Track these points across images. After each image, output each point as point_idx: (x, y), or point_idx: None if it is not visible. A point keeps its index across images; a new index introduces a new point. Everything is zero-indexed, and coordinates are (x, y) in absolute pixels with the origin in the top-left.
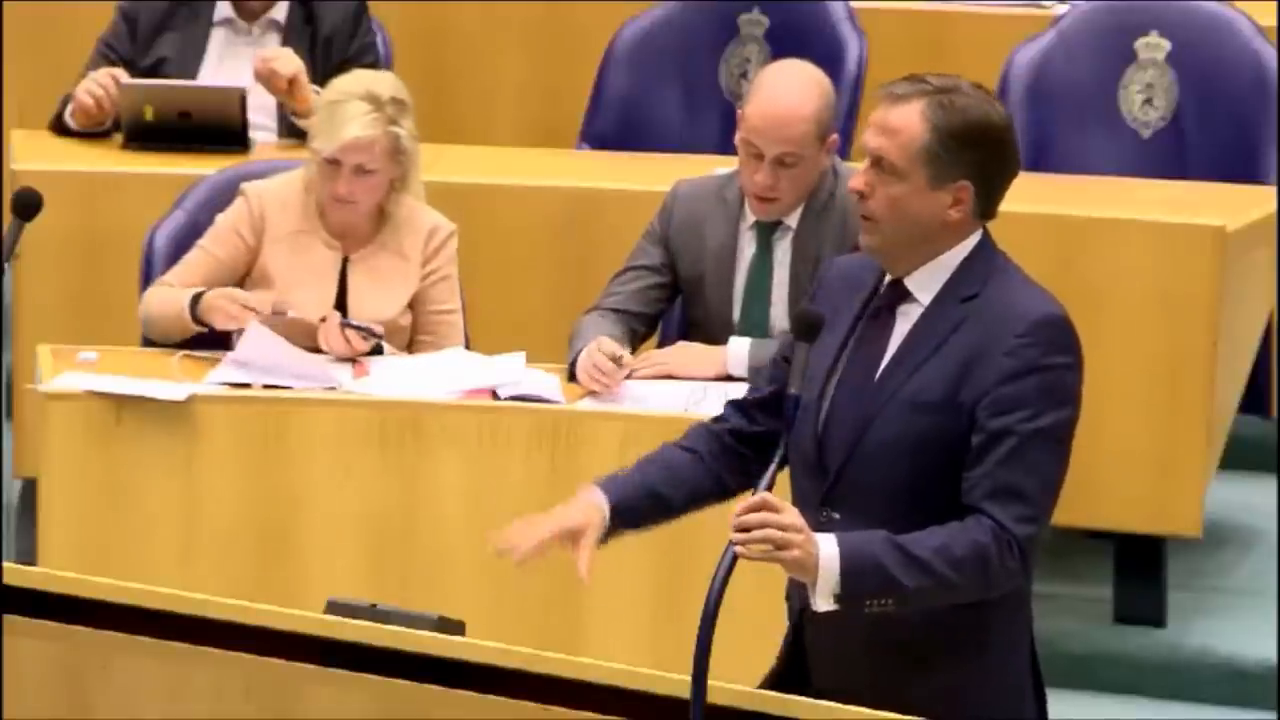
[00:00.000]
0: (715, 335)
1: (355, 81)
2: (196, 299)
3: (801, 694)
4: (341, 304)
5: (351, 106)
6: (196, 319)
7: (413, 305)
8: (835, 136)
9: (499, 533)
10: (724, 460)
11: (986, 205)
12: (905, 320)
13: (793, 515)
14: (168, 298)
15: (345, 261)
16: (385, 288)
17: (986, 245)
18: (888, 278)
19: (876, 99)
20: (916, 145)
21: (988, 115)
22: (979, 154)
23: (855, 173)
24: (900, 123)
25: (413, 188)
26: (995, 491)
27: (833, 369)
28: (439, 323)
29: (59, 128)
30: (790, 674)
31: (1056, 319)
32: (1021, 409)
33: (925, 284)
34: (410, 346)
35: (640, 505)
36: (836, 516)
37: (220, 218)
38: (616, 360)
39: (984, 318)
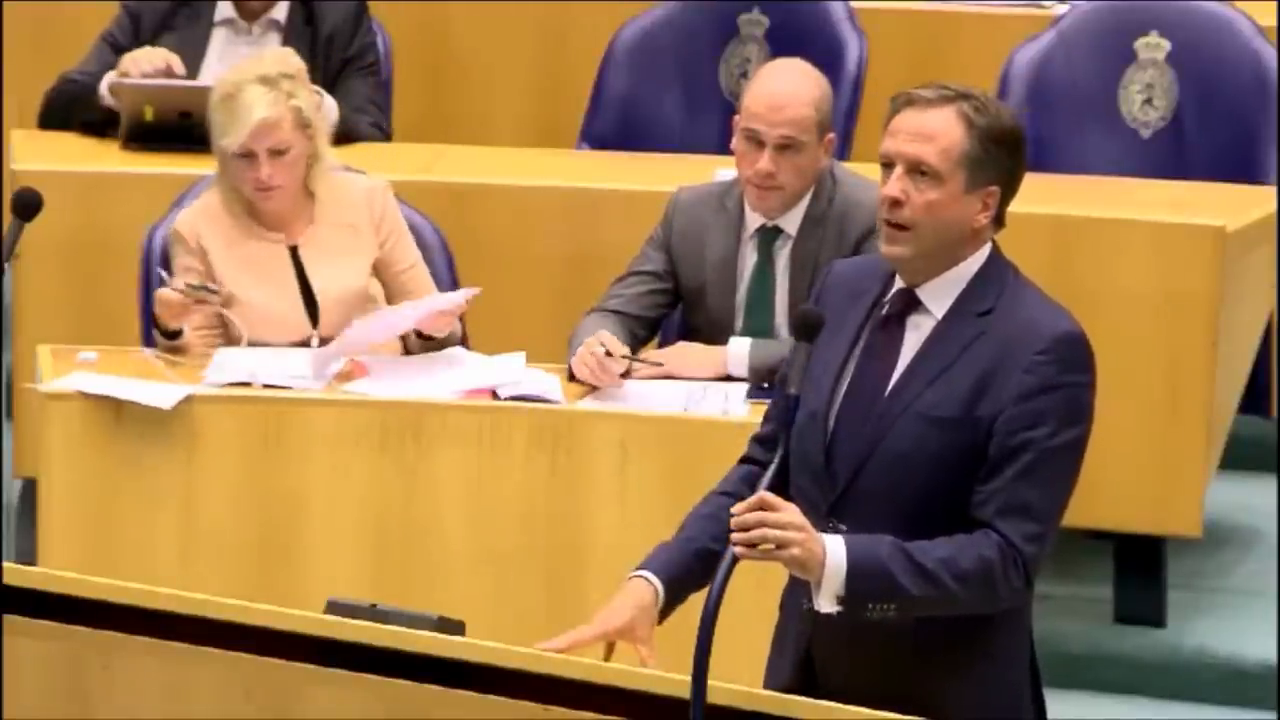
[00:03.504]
0: (715, 342)
1: (240, 71)
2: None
3: (809, 694)
4: (306, 291)
5: (247, 94)
6: (164, 331)
7: (379, 272)
8: (833, 135)
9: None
10: None
11: (1002, 210)
12: (917, 332)
13: (792, 514)
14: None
15: (295, 251)
16: (342, 262)
17: (998, 258)
18: (896, 285)
19: (895, 106)
20: (958, 149)
21: (1014, 119)
22: (1009, 158)
23: (888, 180)
24: (938, 127)
25: (327, 160)
26: (1006, 508)
27: (839, 377)
28: (408, 280)
29: (69, 112)
30: (799, 677)
31: (1075, 337)
32: (1039, 426)
33: (939, 295)
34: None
35: (694, 567)
36: (843, 527)
37: (172, 268)
38: (611, 354)
39: (1001, 333)
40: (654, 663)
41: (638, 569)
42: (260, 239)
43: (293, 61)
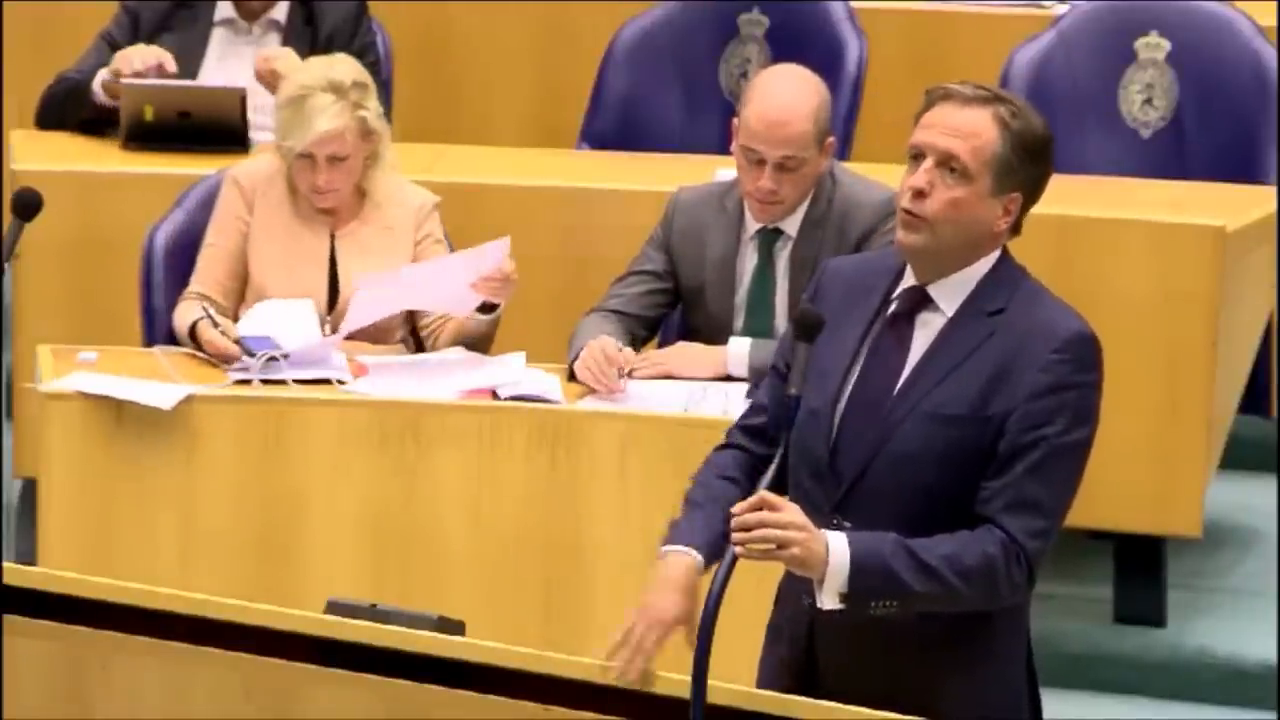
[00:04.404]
0: (715, 342)
1: (314, 73)
2: (193, 329)
3: (808, 691)
4: (333, 279)
5: (316, 100)
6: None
7: None
8: (832, 139)
9: (611, 665)
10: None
11: (1021, 219)
12: (926, 329)
13: (793, 513)
14: (182, 317)
15: (333, 238)
16: (375, 262)
17: (1008, 259)
18: (903, 284)
19: (930, 99)
20: (990, 150)
21: (1047, 130)
22: (1036, 168)
23: (915, 171)
24: (974, 126)
25: (386, 160)
26: (1013, 504)
27: (846, 375)
28: None
29: (64, 111)
30: (798, 673)
31: (1089, 337)
32: (1051, 424)
33: (949, 294)
34: (416, 318)
35: (720, 548)
36: (848, 524)
37: (217, 209)
38: (614, 361)
39: (1013, 332)
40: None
41: (670, 545)
42: (306, 219)
43: (362, 71)
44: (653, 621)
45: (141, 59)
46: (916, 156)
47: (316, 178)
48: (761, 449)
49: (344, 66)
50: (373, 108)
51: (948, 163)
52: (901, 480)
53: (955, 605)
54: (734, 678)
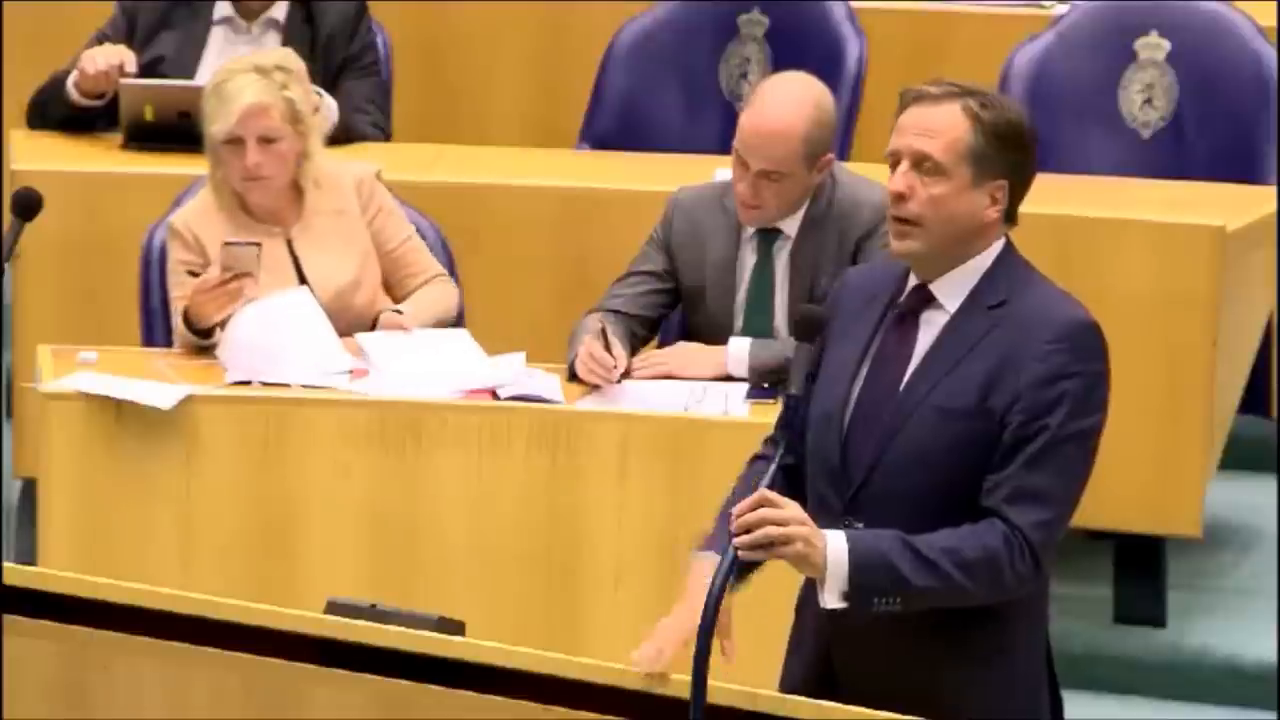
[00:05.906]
0: (715, 342)
1: (236, 61)
2: (184, 316)
3: (829, 694)
4: (301, 282)
5: (236, 81)
6: (195, 328)
7: (379, 257)
8: (830, 156)
9: (637, 655)
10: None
11: (1014, 207)
12: (930, 327)
13: (794, 510)
14: (176, 326)
15: (290, 244)
16: (335, 250)
17: (1010, 252)
18: (910, 284)
19: (903, 103)
20: (962, 143)
21: (1021, 116)
22: (1016, 153)
23: (893, 177)
24: (943, 123)
25: (315, 156)
26: (1015, 495)
27: (854, 377)
28: (405, 253)
29: (46, 110)
30: (818, 677)
31: (1087, 325)
32: (1050, 414)
33: (951, 290)
34: (393, 291)
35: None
36: (860, 525)
37: (168, 265)
38: (609, 349)
39: (1014, 324)
40: (734, 655)
41: (701, 551)
42: (255, 233)
43: (292, 60)
44: (679, 626)
45: (106, 59)
46: (895, 162)
47: (246, 159)
48: (790, 457)
49: (274, 54)
50: (298, 92)
51: (921, 162)
52: (911, 478)
53: (960, 599)
54: (735, 678)
